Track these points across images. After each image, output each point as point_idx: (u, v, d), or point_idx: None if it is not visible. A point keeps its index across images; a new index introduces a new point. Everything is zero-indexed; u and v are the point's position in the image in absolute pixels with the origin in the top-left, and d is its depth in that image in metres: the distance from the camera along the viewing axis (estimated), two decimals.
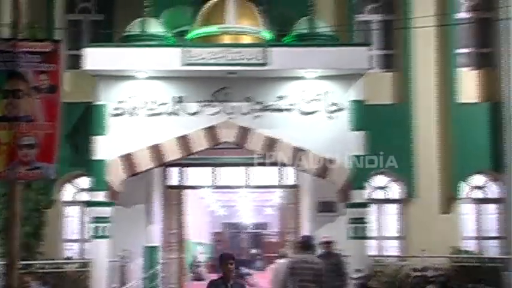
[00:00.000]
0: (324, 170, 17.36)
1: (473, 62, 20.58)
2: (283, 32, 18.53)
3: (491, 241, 19.91)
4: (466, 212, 20.04)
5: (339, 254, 15.23)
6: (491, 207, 20.11)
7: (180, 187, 20.50)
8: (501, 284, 17.74)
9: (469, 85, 19.99)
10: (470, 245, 19.70)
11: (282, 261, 18.06)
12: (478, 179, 20.06)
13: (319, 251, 14.96)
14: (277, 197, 23.52)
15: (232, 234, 36.67)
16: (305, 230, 18.73)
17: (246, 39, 18.06)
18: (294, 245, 16.55)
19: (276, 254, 21.11)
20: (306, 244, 12.34)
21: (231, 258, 10.31)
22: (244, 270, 31.32)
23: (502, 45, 19.49)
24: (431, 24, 19.15)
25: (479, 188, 20.13)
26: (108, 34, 19.51)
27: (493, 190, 20.02)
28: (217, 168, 20.02)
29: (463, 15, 20.60)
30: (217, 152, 18.50)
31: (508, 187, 19.18)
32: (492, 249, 19.68)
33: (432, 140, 19.73)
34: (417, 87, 19.74)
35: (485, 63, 20.36)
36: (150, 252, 18.94)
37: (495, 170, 19.55)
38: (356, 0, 20.35)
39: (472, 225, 20.07)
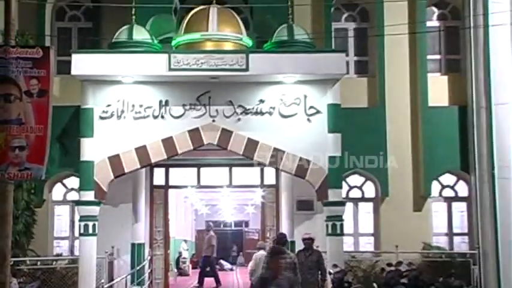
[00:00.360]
0: (302, 170, 17.34)
1: (443, 68, 20.68)
2: (263, 39, 18.51)
3: (460, 237, 20.04)
4: (437, 210, 20.15)
5: (319, 250, 15.36)
6: (461, 205, 20.20)
7: (166, 187, 20.44)
8: (470, 277, 17.93)
9: (438, 90, 20.00)
10: (441, 241, 19.85)
11: (260, 253, 18.50)
12: (448, 179, 20.15)
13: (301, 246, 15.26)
14: (258, 196, 23.57)
15: (214, 232, 36.68)
16: (284, 227, 18.82)
17: (228, 46, 18.00)
18: (272, 241, 16.61)
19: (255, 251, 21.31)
20: (281, 240, 14.11)
21: (282, 253, 10.56)
22: (227, 265, 31.44)
23: (469, 52, 19.46)
24: (403, 32, 19.22)
25: (449, 187, 20.21)
26: (96, 41, 19.53)
27: (462, 189, 20.10)
28: (201, 169, 20.03)
29: (433, 23, 20.68)
30: (201, 153, 18.42)
31: (474, 186, 19.17)
32: (461, 245, 19.83)
33: (405, 142, 19.77)
34: (390, 92, 19.75)
35: (454, 69, 20.46)
36: (137, 249, 18.89)
37: (464, 169, 19.60)
38: (333, 9, 20.32)
39: (442, 222, 20.17)
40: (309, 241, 15.11)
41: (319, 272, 14.95)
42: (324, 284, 15.21)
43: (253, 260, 19.71)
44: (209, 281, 23.47)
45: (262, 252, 19.64)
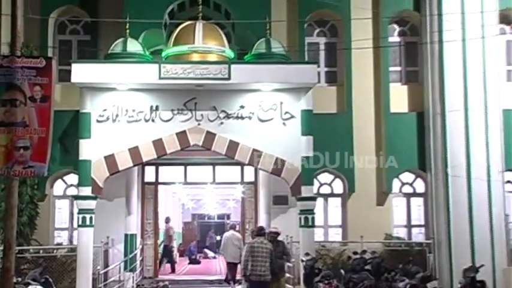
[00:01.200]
0: (278, 169, 17.40)
1: (403, 78, 20.64)
2: (243, 51, 18.59)
3: (417, 228, 20.09)
4: (397, 204, 20.15)
5: (283, 241, 15.38)
6: (418, 200, 20.23)
7: (155, 183, 20.47)
8: (426, 264, 17.96)
9: (399, 98, 20.01)
10: (401, 232, 19.92)
11: (229, 232, 20.34)
12: (407, 177, 20.12)
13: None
14: (238, 191, 23.63)
15: (199, 224, 36.64)
16: (262, 220, 18.94)
17: (212, 57, 18.00)
18: (251, 232, 16.64)
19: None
20: (260, 232, 14.32)
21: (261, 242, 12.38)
22: (210, 253, 31.42)
23: (426, 65, 19.46)
24: (368, 46, 19.38)
25: (408, 184, 20.21)
26: (93, 52, 19.42)
27: (420, 186, 20.10)
28: (188, 167, 20.11)
29: (394, 39, 20.67)
30: (187, 153, 18.44)
31: (430, 183, 19.18)
32: (418, 236, 19.89)
33: (369, 144, 19.74)
34: (357, 99, 19.76)
35: (413, 80, 20.43)
36: (130, 239, 18.93)
37: (421, 168, 19.63)
38: (306, 25, 20.24)
39: (402, 215, 20.19)
40: (275, 235, 15.11)
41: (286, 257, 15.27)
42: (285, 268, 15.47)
43: (223, 239, 20.42)
44: (195, 267, 23.51)
45: (231, 232, 20.18)
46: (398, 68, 20.65)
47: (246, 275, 13.71)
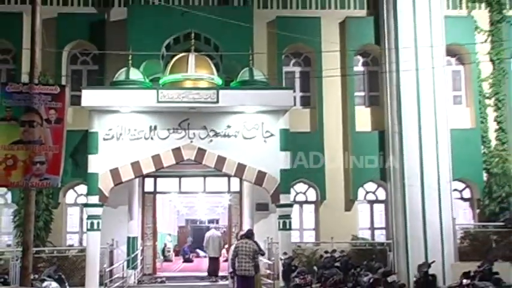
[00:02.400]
0: (260, 180, 17.38)
1: (366, 101, 20.59)
2: (230, 79, 18.55)
3: (379, 231, 20.01)
4: (362, 210, 20.06)
5: (256, 242, 14.87)
6: (380, 206, 20.17)
7: (154, 193, 20.24)
8: (386, 261, 17.95)
9: (363, 119, 20.01)
10: (365, 234, 19.81)
11: (211, 231, 21.43)
12: (370, 186, 20.07)
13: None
14: (225, 199, 23.43)
15: (192, 227, 36.48)
16: (246, 224, 18.75)
17: (203, 84, 17.96)
18: (238, 235, 16.64)
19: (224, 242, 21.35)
20: (248, 233, 14.47)
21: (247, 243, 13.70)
22: (202, 253, 31.30)
23: (385, 90, 19.43)
24: (336, 75, 19.39)
25: (371, 192, 20.16)
26: (101, 79, 19.36)
27: (381, 194, 20.06)
28: (182, 179, 19.94)
29: (358, 68, 20.62)
30: (181, 166, 18.35)
31: (390, 192, 19.11)
32: (380, 237, 19.84)
33: (338, 158, 19.63)
34: (327, 120, 19.70)
35: (375, 103, 20.36)
36: (131, 241, 18.79)
37: (382, 179, 19.57)
38: (283, 56, 20.23)
39: (366, 219, 20.11)
40: (247, 234, 15.07)
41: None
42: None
43: (205, 237, 20.76)
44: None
45: (213, 231, 20.45)
46: (362, 93, 20.57)
47: (233, 271, 13.94)
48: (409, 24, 18.95)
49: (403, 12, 19.06)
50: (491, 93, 20.21)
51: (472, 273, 13.46)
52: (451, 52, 20.07)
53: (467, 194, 20.18)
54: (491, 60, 20.25)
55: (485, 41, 20.26)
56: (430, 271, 14.38)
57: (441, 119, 18.68)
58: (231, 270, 14.33)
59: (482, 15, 20.50)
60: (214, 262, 20.46)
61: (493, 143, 19.96)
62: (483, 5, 20.58)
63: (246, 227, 18.34)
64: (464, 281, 12.94)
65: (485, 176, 19.64)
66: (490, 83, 20.26)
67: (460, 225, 18.94)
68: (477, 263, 14.83)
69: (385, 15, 19.56)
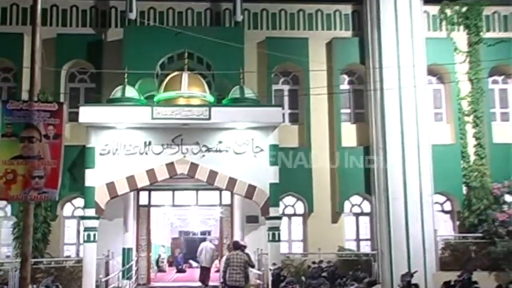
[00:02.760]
0: (250, 193, 17.40)
1: (352, 118, 20.60)
2: (221, 96, 18.59)
3: (365, 242, 19.95)
4: (348, 222, 19.98)
5: (248, 254, 14.81)
6: (365, 219, 20.11)
7: (148, 206, 20.18)
8: (371, 270, 17.91)
9: (349, 134, 20.01)
10: (351, 245, 19.73)
11: (204, 243, 21.31)
12: (356, 199, 20.03)
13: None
14: (217, 212, 23.33)
15: (185, 239, 36.34)
16: (237, 235, 18.68)
17: (195, 101, 18.00)
18: (227, 246, 16.65)
19: (217, 253, 21.27)
20: (235, 245, 14.24)
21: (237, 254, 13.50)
22: (194, 263, 31.19)
23: (370, 108, 19.57)
24: (323, 93, 19.47)
25: (356, 205, 20.12)
26: (98, 97, 19.30)
27: (366, 206, 20.02)
28: (175, 192, 19.92)
29: (344, 86, 20.64)
30: (175, 180, 18.32)
31: (375, 204, 19.18)
32: (365, 248, 19.76)
33: (325, 172, 19.64)
34: (314, 136, 19.69)
35: (360, 120, 20.37)
36: (127, 252, 18.69)
37: (367, 192, 19.60)
38: (273, 75, 20.25)
39: (352, 231, 20.04)
40: (242, 248, 15.10)
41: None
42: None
43: (199, 248, 21.14)
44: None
45: (207, 243, 20.51)
46: (348, 110, 20.58)
47: (224, 281, 13.91)
48: (392, 45, 19.14)
49: (386, 34, 19.27)
50: (470, 110, 20.32)
51: (452, 283, 13.62)
52: (432, 72, 20.26)
53: (448, 206, 20.23)
54: (470, 79, 20.38)
55: (464, 61, 20.45)
56: (413, 280, 14.53)
57: (423, 135, 18.82)
58: (222, 280, 14.34)
59: (460, 37, 20.68)
60: (205, 272, 20.45)
61: (472, 158, 20.03)
62: (461, 27, 20.78)
63: (236, 238, 18.14)
64: None
65: (464, 189, 19.68)
66: (468, 101, 20.36)
67: (441, 237, 18.98)
68: (457, 273, 15.02)
69: (369, 36, 19.74)
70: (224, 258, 15.13)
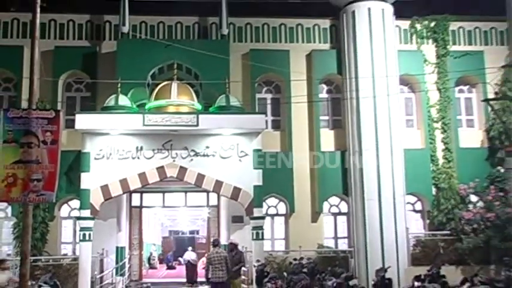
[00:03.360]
0: (235, 195, 17.40)
1: (330, 124, 20.60)
2: (208, 104, 18.56)
3: (342, 240, 19.95)
4: (327, 221, 20.00)
5: (240, 250, 15.26)
6: (342, 218, 20.05)
7: (140, 207, 20.16)
8: (348, 266, 18.04)
9: (328, 140, 20.04)
10: (330, 243, 19.74)
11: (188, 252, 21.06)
12: (334, 200, 20.04)
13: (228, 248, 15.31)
14: (205, 212, 23.31)
15: (175, 238, 36.18)
16: (223, 234, 18.67)
17: (184, 109, 18.00)
18: (210, 244, 16.71)
19: (204, 251, 21.30)
20: (215, 243, 14.59)
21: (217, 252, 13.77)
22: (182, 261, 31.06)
23: (346, 115, 19.59)
24: (303, 101, 19.49)
25: (334, 205, 20.11)
26: (92, 105, 19.27)
27: (343, 207, 20.02)
28: (165, 194, 19.83)
29: (323, 95, 20.66)
30: (165, 183, 18.26)
31: (351, 205, 19.20)
32: (343, 245, 19.78)
33: (305, 175, 19.66)
34: (295, 141, 19.70)
35: (338, 126, 20.39)
36: (120, 250, 18.63)
37: (344, 193, 19.60)
38: (256, 84, 20.24)
39: (330, 229, 20.03)
40: (231, 246, 15.18)
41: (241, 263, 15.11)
42: (241, 271, 15.32)
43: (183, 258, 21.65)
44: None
45: (189, 252, 21.56)
46: (326, 117, 20.61)
47: (208, 278, 14.12)
48: (367, 57, 19.26)
49: (361, 47, 19.39)
50: (438, 117, 20.48)
51: (422, 277, 13.71)
52: (403, 81, 20.43)
53: (418, 206, 20.38)
54: (438, 88, 20.57)
55: (433, 72, 20.66)
56: (387, 275, 14.63)
57: (396, 140, 18.95)
58: (206, 277, 14.45)
59: (429, 50, 20.89)
60: (192, 268, 20.51)
61: (441, 161, 20.19)
62: (430, 41, 21.02)
63: (223, 237, 18.39)
64: (416, 283, 13.16)
65: (434, 190, 19.86)
66: (437, 108, 20.54)
67: (412, 234, 19.12)
68: (427, 267, 15.17)
69: (346, 48, 19.83)
70: (206, 257, 15.26)
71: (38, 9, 12.16)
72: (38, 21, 12.25)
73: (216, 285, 14.02)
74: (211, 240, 17.75)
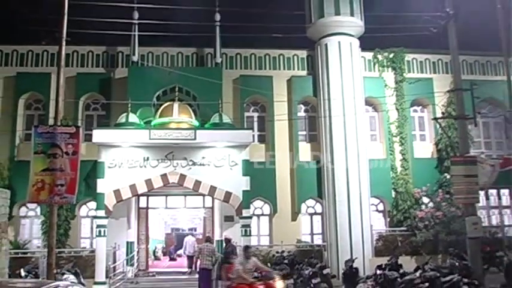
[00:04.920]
0: (227, 198, 17.41)
1: (307, 139, 20.60)
2: (204, 121, 18.55)
3: (317, 235, 19.96)
4: (304, 220, 20.02)
5: (233, 244, 15.39)
6: (317, 218, 20.09)
7: (147, 208, 20.06)
8: (322, 258, 17.96)
9: (305, 151, 20.10)
10: (307, 238, 19.80)
11: (188, 237, 21.54)
12: (310, 202, 20.12)
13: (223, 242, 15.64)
14: (201, 213, 23.24)
15: (176, 234, 36.07)
16: (217, 231, 18.61)
17: (184, 125, 17.94)
18: (203, 238, 16.90)
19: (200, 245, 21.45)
20: (207, 239, 15.23)
21: (207, 246, 14.82)
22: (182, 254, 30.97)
23: (321, 130, 19.65)
24: (284, 119, 19.63)
25: (311, 207, 20.17)
26: (107, 122, 19.37)
27: (318, 208, 20.05)
28: (168, 197, 19.73)
29: (301, 114, 20.75)
30: (167, 188, 18.18)
31: (325, 206, 19.24)
32: (318, 240, 19.75)
33: (286, 181, 19.71)
34: (278, 153, 19.72)
35: (313, 140, 20.47)
36: (130, 244, 18.63)
37: (319, 196, 19.70)
38: (245, 105, 20.23)
39: (307, 227, 20.08)
40: (226, 240, 15.57)
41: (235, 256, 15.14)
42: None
43: (184, 241, 21.82)
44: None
45: (189, 236, 20.61)
46: (304, 132, 20.62)
47: (196, 266, 14.80)
48: (338, 82, 19.44)
49: (333, 73, 19.57)
50: (397, 132, 20.65)
51: (383, 266, 13.75)
52: (368, 102, 20.61)
53: (381, 207, 20.50)
54: (396, 108, 20.77)
55: (392, 95, 20.87)
56: (354, 265, 14.72)
57: (362, 151, 19.13)
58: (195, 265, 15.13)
59: (389, 76, 21.14)
60: (190, 259, 20.63)
61: (399, 169, 20.35)
62: (390, 69, 21.28)
63: (217, 234, 18.39)
64: (378, 271, 13.18)
65: (393, 193, 20.02)
66: (395, 125, 20.71)
67: (375, 230, 19.27)
68: (387, 258, 15.21)
69: (320, 75, 19.99)
70: (186, 239, 15.71)
71: (64, 43, 12.46)
72: (63, 52, 12.53)
73: (203, 271, 14.57)
74: (210, 236, 17.98)
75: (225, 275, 14.57)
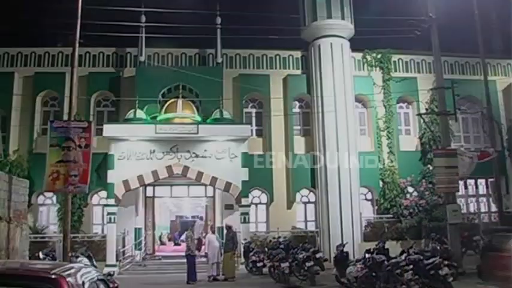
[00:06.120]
0: (227, 188, 17.51)
1: (301, 132, 20.54)
2: (206, 117, 18.62)
3: (311, 222, 19.93)
4: (299, 208, 20.09)
5: (233, 231, 15.46)
6: (311, 206, 20.10)
7: (153, 197, 20.14)
8: (315, 243, 18.01)
9: (300, 145, 20.14)
10: (301, 225, 19.82)
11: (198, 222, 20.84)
12: (304, 191, 20.11)
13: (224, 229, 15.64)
14: (203, 201, 23.28)
15: (180, 221, 36.08)
16: (218, 219, 18.69)
17: (187, 120, 18.03)
18: (211, 227, 16.92)
19: (201, 231, 21.50)
20: (212, 229, 14.91)
21: (213, 233, 14.88)
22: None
23: (315, 125, 19.68)
24: (280, 114, 19.71)
25: (305, 196, 20.16)
26: (116, 118, 19.41)
27: (312, 197, 20.06)
28: (173, 187, 19.83)
29: (296, 110, 20.73)
30: (172, 178, 18.26)
31: (318, 195, 19.28)
32: (311, 226, 19.75)
33: (282, 172, 19.70)
34: (274, 146, 19.77)
35: (307, 134, 20.42)
36: (138, 230, 18.72)
37: (312, 186, 19.71)
38: (244, 101, 20.23)
39: (301, 214, 20.09)
40: (227, 227, 15.52)
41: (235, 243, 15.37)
42: (236, 249, 15.48)
43: (195, 225, 21.02)
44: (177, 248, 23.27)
45: (198, 221, 21.24)
46: (298, 127, 20.63)
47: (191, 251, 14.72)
48: (330, 80, 19.43)
49: (325, 72, 19.58)
50: (384, 127, 20.67)
51: (371, 250, 13.80)
52: (357, 99, 20.63)
53: (369, 196, 20.56)
54: (384, 105, 20.81)
55: (380, 92, 20.90)
56: (345, 249, 14.66)
57: (352, 145, 19.15)
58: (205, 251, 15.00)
59: (377, 75, 21.15)
60: (199, 242, 20.72)
61: (386, 161, 20.40)
62: (377, 68, 21.28)
63: (217, 221, 18.44)
64: (367, 255, 13.20)
65: (381, 183, 20.08)
66: (383, 120, 20.74)
67: (364, 217, 19.37)
68: (375, 243, 15.24)
69: (313, 74, 20.00)
70: (207, 238, 15.67)
71: (77, 45, 12.53)
72: (76, 53, 12.61)
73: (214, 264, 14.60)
74: (209, 226, 17.99)
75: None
